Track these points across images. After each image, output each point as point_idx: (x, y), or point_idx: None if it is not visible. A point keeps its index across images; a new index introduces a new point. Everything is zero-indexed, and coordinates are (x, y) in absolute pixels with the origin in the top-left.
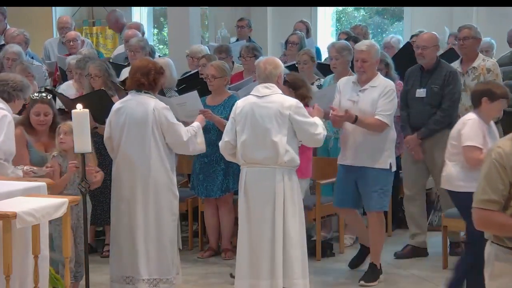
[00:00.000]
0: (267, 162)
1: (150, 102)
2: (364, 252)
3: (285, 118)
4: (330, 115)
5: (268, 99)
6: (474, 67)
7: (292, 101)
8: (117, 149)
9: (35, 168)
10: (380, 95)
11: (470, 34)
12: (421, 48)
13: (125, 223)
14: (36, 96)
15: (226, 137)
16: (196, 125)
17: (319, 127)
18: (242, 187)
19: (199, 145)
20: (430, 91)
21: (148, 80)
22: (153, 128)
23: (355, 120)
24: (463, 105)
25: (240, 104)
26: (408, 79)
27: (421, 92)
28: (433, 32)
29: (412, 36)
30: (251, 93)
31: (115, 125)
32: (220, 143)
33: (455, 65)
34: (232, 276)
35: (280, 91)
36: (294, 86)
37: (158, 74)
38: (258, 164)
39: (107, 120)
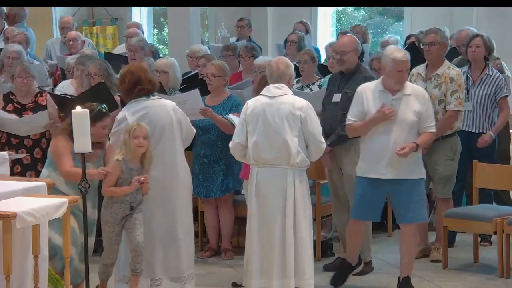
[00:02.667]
0: (279, 163)
1: (166, 103)
2: (346, 267)
3: (297, 119)
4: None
5: (280, 99)
6: (437, 74)
7: (303, 102)
8: None
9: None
10: (422, 106)
11: (437, 39)
12: (340, 53)
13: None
14: (104, 108)
15: (236, 138)
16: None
17: (322, 137)
18: (253, 187)
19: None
20: (344, 96)
21: (154, 83)
22: (175, 128)
23: (417, 147)
24: None
25: (251, 104)
26: (329, 84)
27: (336, 97)
28: (353, 35)
29: (409, 37)
30: (261, 93)
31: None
32: (231, 144)
33: (420, 69)
34: (236, 284)
35: (291, 92)
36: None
37: (146, 73)
38: (269, 164)
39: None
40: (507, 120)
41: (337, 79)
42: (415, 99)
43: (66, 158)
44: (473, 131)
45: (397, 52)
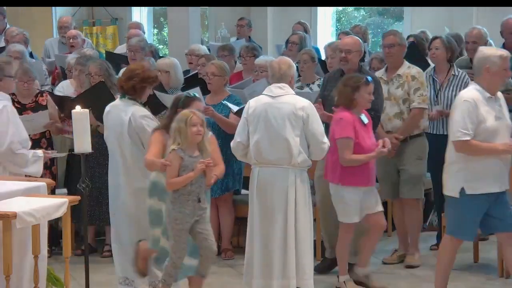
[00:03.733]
0: (280, 162)
1: (129, 110)
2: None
3: (299, 119)
4: None
5: (281, 99)
6: (398, 74)
7: (305, 102)
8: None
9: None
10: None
11: (396, 41)
12: (345, 52)
13: (119, 224)
14: (192, 94)
15: (238, 137)
16: None
17: (325, 137)
18: (254, 186)
19: None
20: None
21: (127, 84)
22: (130, 135)
23: None
24: (387, 114)
25: (252, 104)
26: (327, 84)
27: None
28: (357, 37)
29: (408, 37)
30: (263, 93)
31: (105, 127)
32: (232, 144)
33: (380, 73)
34: None
35: (293, 92)
36: None
37: (141, 82)
38: (271, 164)
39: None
40: None
41: (337, 78)
42: (503, 101)
43: (153, 147)
44: (445, 133)
45: (498, 50)
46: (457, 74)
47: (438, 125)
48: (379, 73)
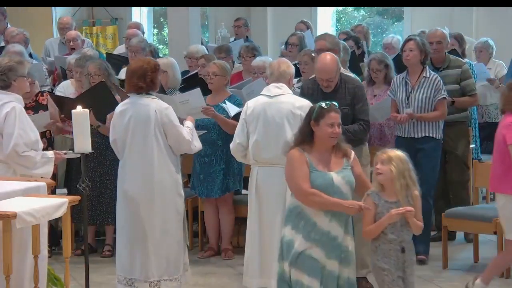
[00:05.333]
0: (279, 162)
1: (152, 104)
2: None
3: (297, 118)
4: None
5: (280, 99)
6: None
7: (303, 102)
8: (122, 151)
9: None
10: None
11: (326, 46)
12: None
13: (130, 224)
14: (327, 104)
15: (237, 139)
16: (190, 125)
17: None
18: (253, 186)
19: (197, 147)
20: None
21: (146, 82)
22: (155, 130)
23: None
24: None
25: (251, 104)
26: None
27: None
28: (328, 55)
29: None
30: (261, 93)
31: (119, 127)
32: (231, 145)
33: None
34: None
35: (291, 91)
36: None
37: (154, 73)
38: (269, 164)
39: (111, 123)
40: (439, 119)
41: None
42: None
43: (299, 172)
44: (416, 136)
45: None
46: (428, 76)
47: (409, 129)
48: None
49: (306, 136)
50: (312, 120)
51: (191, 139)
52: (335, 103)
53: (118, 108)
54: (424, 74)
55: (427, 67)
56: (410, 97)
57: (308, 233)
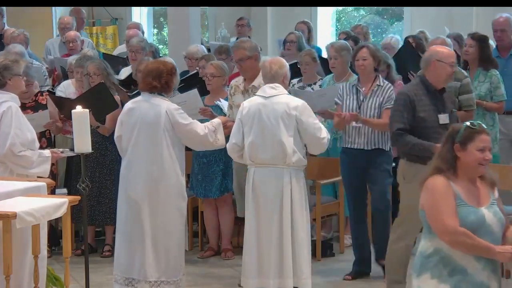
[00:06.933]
0: (275, 162)
1: (163, 104)
2: None
3: (292, 119)
4: None
5: (275, 99)
6: (254, 86)
7: (298, 102)
8: (126, 149)
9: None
10: None
11: (245, 55)
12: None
13: (132, 224)
14: (475, 124)
15: (233, 139)
16: (217, 121)
17: (323, 131)
18: (250, 186)
19: (220, 140)
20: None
21: (161, 82)
22: (165, 130)
23: None
24: None
25: (246, 105)
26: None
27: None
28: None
29: (407, 38)
30: (256, 93)
31: (126, 125)
32: (228, 145)
33: (238, 81)
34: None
35: (286, 92)
36: None
37: (170, 76)
38: (266, 164)
39: (118, 119)
40: (383, 128)
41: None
42: None
43: (446, 207)
44: (366, 148)
45: None
46: (382, 84)
47: (359, 140)
48: (238, 81)
49: (449, 163)
50: (457, 143)
51: (206, 134)
52: (483, 124)
53: (128, 105)
54: (378, 82)
55: (379, 76)
56: (361, 106)
57: (458, 282)
